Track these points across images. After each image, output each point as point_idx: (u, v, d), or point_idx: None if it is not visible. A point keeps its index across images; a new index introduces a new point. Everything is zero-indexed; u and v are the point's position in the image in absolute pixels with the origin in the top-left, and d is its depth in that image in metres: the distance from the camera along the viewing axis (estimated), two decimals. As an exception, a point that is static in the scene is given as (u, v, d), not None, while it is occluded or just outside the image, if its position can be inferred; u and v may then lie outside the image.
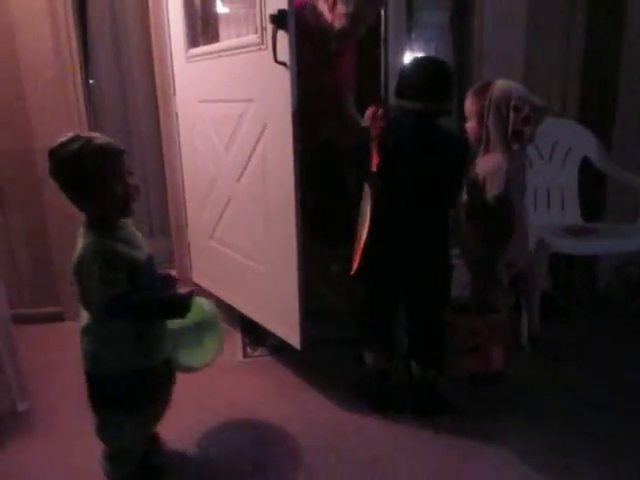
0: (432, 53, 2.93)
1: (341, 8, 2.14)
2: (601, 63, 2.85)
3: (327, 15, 2.19)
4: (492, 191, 1.89)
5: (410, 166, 1.83)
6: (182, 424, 2.00)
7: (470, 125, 2.00)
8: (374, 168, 1.81)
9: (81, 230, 1.51)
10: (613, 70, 2.80)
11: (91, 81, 2.91)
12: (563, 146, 2.81)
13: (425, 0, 2.86)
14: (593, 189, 2.86)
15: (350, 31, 2.21)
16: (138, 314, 1.52)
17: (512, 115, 1.88)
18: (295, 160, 1.92)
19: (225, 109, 2.29)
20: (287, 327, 2.18)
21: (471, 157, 1.93)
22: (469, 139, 2.01)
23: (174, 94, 2.68)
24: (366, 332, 2.11)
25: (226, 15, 3.07)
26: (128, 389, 1.56)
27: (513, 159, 1.93)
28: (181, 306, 1.52)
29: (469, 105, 1.99)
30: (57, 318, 2.84)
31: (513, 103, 1.88)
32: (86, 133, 1.50)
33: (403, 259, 1.90)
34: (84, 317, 1.55)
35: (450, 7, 2.92)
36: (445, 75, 1.84)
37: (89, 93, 2.81)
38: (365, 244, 1.86)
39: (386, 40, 2.62)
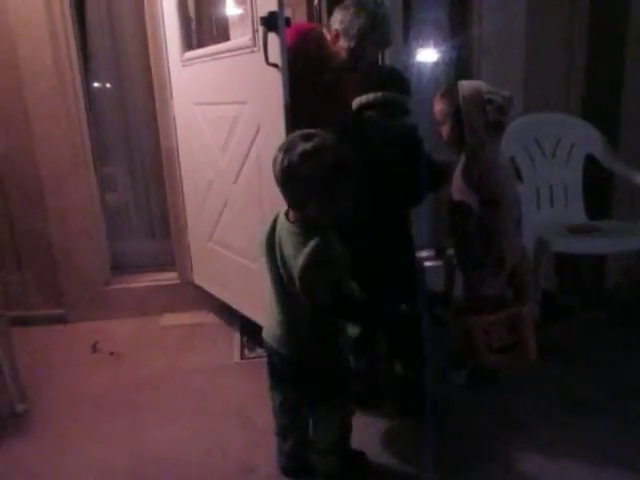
0: (430, 50, 2.92)
1: (343, 42, 2.13)
2: (605, 59, 2.81)
3: (330, 46, 2.19)
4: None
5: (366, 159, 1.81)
6: (175, 426, 2.02)
7: (446, 128, 2.02)
8: None
9: (295, 229, 1.49)
10: (617, 66, 2.76)
11: (96, 84, 2.93)
12: (567, 142, 2.77)
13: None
14: (598, 187, 2.82)
15: (350, 65, 2.18)
16: (357, 315, 1.59)
17: (488, 107, 1.92)
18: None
19: (220, 111, 2.30)
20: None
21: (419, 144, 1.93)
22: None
23: (171, 97, 2.69)
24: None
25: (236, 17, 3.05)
26: (344, 381, 1.64)
27: (497, 150, 1.99)
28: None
29: (442, 108, 2.01)
30: (59, 320, 2.87)
31: (486, 97, 1.93)
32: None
33: (365, 257, 1.87)
34: (300, 314, 1.54)
35: (448, 3, 2.90)
36: (400, 75, 1.94)
37: (89, 98, 2.83)
38: None
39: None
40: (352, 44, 2.10)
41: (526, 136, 2.70)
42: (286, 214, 1.54)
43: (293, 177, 1.43)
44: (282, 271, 1.51)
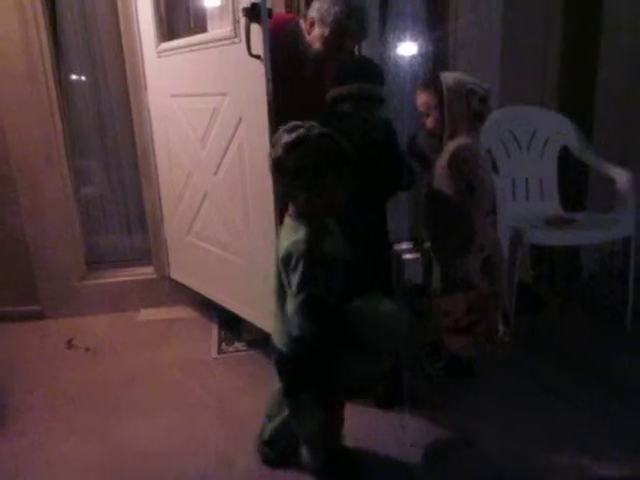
0: (407, 43, 2.92)
1: (318, 30, 2.11)
2: (579, 52, 2.86)
3: (306, 36, 2.17)
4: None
5: None
6: (153, 421, 2.01)
7: (430, 119, 2.04)
8: None
9: (288, 221, 1.53)
10: (591, 59, 2.81)
11: (68, 76, 2.85)
12: (542, 135, 2.81)
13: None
14: (573, 179, 2.87)
15: (327, 55, 2.15)
16: (325, 322, 1.48)
17: (471, 98, 1.96)
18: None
19: (198, 103, 2.27)
20: (268, 318, 2.14)
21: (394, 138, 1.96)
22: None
23: (146, 89, 2.64)
24: None
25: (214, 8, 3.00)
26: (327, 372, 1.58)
27: (477, 139, 2.03)
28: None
29: (426, 100, 2.03)
30: (35, 317, 2.82)
31: (468, 87, 1.96)
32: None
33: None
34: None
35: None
36: (374, 65, 1.95)
37: (61, 90, 2.76)
38: None
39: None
40: (327, 32, 2.08)
41: (502, 129, 2.73)
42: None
43: (280, 169, 1.46)
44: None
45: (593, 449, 1.78)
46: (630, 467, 1.71)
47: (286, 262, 1.46)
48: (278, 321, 1.61)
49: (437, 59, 2.95)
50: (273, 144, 1.47)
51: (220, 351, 2.49)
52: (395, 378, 2.05)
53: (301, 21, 2.20)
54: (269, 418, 1.80)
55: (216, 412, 2.05)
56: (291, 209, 1.54)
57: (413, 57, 2.98)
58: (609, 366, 2.26)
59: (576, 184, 2.87)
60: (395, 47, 2.94)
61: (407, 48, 2.97)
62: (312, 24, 2.12)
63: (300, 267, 1.43)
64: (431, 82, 2.03)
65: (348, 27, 2.08)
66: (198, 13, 2.83)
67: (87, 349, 2.53)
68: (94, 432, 1.95)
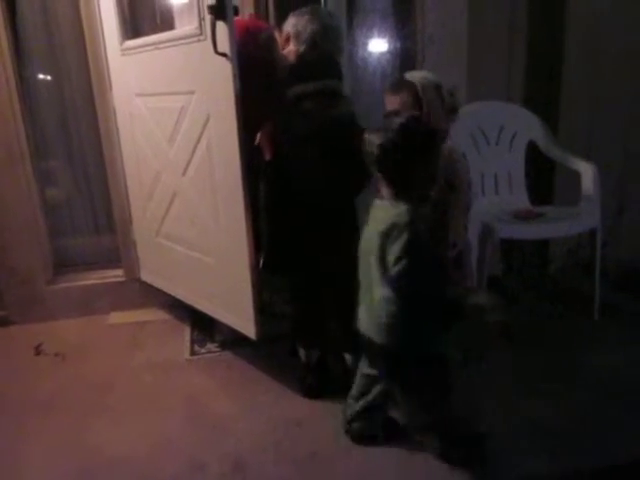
0: (375, 40, 2.93)
1: (294, 46, 2.07)
2: (545, 48, 2.90)
3: (279, 49, 2.13)
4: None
5: (307, 151, 1.86)
6: (125, 425, 1.98)
7: None
8: (268, 158, 1.91)
9: (381, 203, 1.66)
10: (556, 55, 2.85)
11: (29, 75, 2.78)
12: (509, 130, 2.84)
13: (366, -14, 2.84)
14: (540, 173, 2.91)
15: None
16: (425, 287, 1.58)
17: (442, 93, 1.96)
18: (241, 150, 1.90)
19: (165, 102, 2.24)
20: (242, 318, 2.15)
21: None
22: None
23: (110, 88, 2.60)
24: (296, 327, 2.13)
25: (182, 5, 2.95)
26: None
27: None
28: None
29: (400, 104, 1.97)
30: (2, 323, 2.76)
31: (437, 84, 1.96)
32: None
33: (314, 249, 1.93)
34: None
35: (391, -7, 2.91)
36: (332, 60, 1.95)
37: (23, 89, 2.68)
38: (268, 236, 1.96)
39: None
40: (302, 48, 2.06)
41: (471, 124, 2.75)
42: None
43: (396, 152, 1.57)
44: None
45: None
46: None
47: (388, 234, 1.56)
48: (371, 312, 1.67)
49: (405, 55, 2.96)
50: (383, 131, 1.58)
51: (192, 353, 2.47)
52: (323, 370, 2.11)
53: (276, 33, 2.17)
54: (355, 398, 1.85)
55: (189, 415, 2.03)
56: (385, 191, 1.64)
57: (381, 54, 2.99)
58: (577, 356, 2.29)
59: (543, 178, 2.91)
60: (362, 44, 2.94)
61: (374, 45, 2.97)
62: (287, 39, 2.09)
63: (405, 235, 1.53)
64: (400, 84, 1.99)
65: (324, 46, 2.04)
66: (165, 10, 2.79)
67: (56, 354, 2.48)
68: (65, 438, 1.92)
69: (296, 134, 1.87)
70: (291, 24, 2.07)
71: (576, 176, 2.61)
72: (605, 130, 2.91)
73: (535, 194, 2.83)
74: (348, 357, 2.03)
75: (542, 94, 2.91)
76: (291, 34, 2.07)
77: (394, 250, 1.54)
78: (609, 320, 2.57)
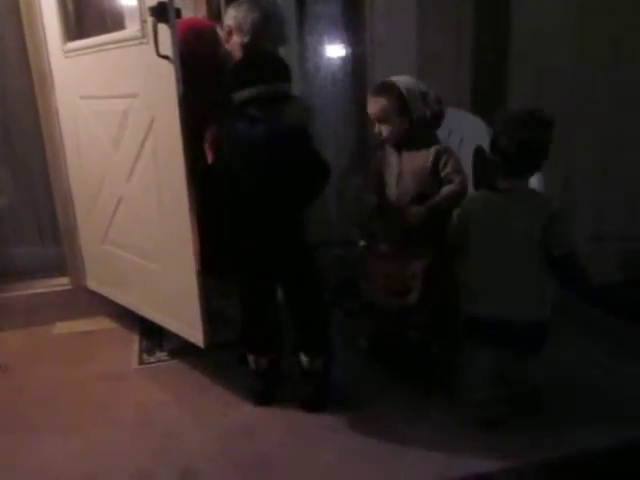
0: (325, 46, 2.94)
1: (237, 38, 2.07)
2: (490, 55, 2.95)
3: (225, 44, 2.11)
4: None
5: (252, 158, 1.81)
6: (72, 440, 1.91)
7: (387, 126, 2.00)
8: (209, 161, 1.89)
9: (519, 197, 1.83)
10: (501, 61, 2.91)
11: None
12: (457, 136, 2.87)
13: (315, -8, 2.85)
14: (487, 178, 2.95)
15: None
16: None
17: (427, 100, 1.98)
18: (186, 154, 1.87)
19: (109, 105, 2.19)
20: (189, 326, 2.12)
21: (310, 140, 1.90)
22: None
23: (53, 91, 2.52)
24: (244, 333, 2.09)
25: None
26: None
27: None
28: None
29: (384, 105, 1.98)
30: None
31: (422, 90, 1.98)
32: None
33: (262, 252, 1.91)
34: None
35: (341, -2, 2.92)
36: (280, 60, 1.87)
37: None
38: (204, 239, 1.95)
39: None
40: (246, 39, 2.04)
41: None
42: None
43: (533, 143, 1.73)
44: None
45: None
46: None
47: (556, 218, 1.73)
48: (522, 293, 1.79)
49: (355, 61, 2.98)
50: (521, 125, 1.72)
51: (141, 362, 2.41)
52: (274, 376, 2.09)
53: (219, 29, 2.14)
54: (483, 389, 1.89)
55: (137, 426, 1.98)
56: (506, 183, 1.82)
57: (331, 59, 3.00)
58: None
59: (491, 182, 2.96)
60: (313, 49, 2.94)
61: (325, 50, 2.98)
62: (230, 32, 2.07)
63: (566, 221, 1.75)
64: (386, 87, 1.98)
65: (267, 34, 2.05)
66: (115, 10, 2.74)
67: (-1, 367, 2.39)
68: (7, 454, 1.85)
69: (239, 143, 1.81)
70: (231, 16, 2.05)
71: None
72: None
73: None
74: (304, 359, 2.00)
75: (488, 100, 2.96)
76: (232, 26, 2.06)
77: (563, 233, 1.73)
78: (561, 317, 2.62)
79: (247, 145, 1.80)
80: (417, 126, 1.99)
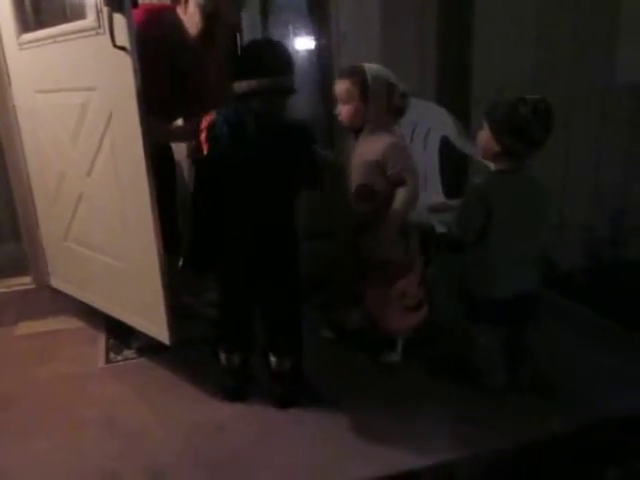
0: (290, 36, 2.91)
1: (194, 6, 2.00)
2: (456, 46, 2.96)
3: (184, 19, 2.05)
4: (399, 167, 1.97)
5: (250, 154, 1.76)
6: (36, 442, 1.87)
7: (347, 108, 2.01)
8: (203, 154, 1.78)
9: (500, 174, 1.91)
10: (466, 52, 2.92)
11: None
12: (423, 127, 2.88)
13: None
14: (454, 168, 2.97)
15: (208, 32, 2.04)
16: None
17: (392, 92, 1.97)
18: (145, 147, 1.83)
19: (66, 98, 2.13)
20: (154, 323, 2.09)
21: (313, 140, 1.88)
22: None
23: (9, 84, 2.45)
24: (218, 330, 2.06)
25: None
26: None
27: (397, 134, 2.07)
28: None
29: (348, 87, 1.99)
30: None
31: (389, 81, 1.97)
32: None
33: (249, 250, 1.86)
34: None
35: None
36: (285, 51, 1.79)
37: None
38: (192, 232, 1.88)
39: (239, 25, 2.51)
40: (203, 2, 1.98)
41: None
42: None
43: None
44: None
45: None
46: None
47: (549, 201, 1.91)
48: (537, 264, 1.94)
49: (320, 51, 2.96)
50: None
51: (108, 361, 2.36)
52: (244, 373, 2.05)
53: (178, 9, 2.09)
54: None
55: (103, 427, 1.94)
56: (508, 163, 1.87)
57: (297, 51, 2.97)
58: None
59: (457, 173, 2.98)
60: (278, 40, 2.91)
61: (290, 42, 2.95)
62: (187, 1, 2.03)
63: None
64: (354, 71, 1.99)
65: None
66: (76, 1, 2.66)
67: (-43, 370, 2.31)
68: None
69: (237, 136, 1.74)
70: None
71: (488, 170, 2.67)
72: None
73: (450, 188, 2.88)
74: (273, 359, 1.98)
75: (454, 91, 2.98)
76: None
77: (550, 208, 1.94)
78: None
79: (245, 139, 1.74)
80: (376, 115, 1.98)
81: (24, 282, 2.76)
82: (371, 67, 1.99)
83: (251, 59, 1.77)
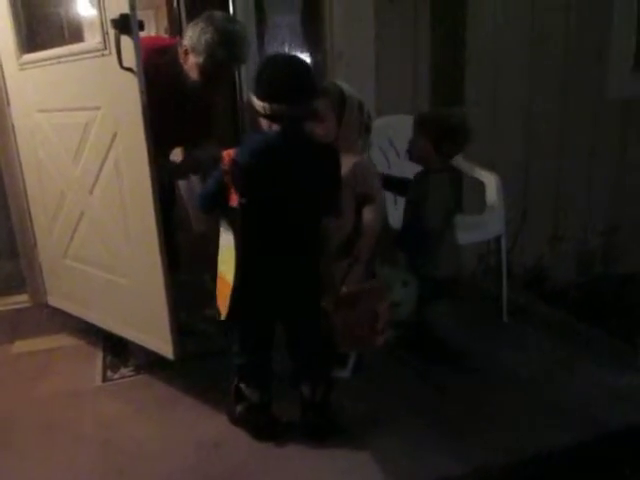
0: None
1: (192, 58, 2.05)
2: (448, 62, 3.01)
3: (184, 65, 2.10)
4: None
5: (287, 178, 1.68)
6: (31, 463, 1.86)
7: (325, 125, 1.97)
8: (234, 204, 1.63)
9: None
10: (459, 72, 2.98)
11: None
12: (401, 141, 2.88)
13: (274, 2, 2.85)
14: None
15: (207, 84, 2.09)
16: None
17: (362, 111, 2.00)
18: (151, 167, 1.85)
19: (69, 118, 2.15)
20: (159, 339, 2.10)
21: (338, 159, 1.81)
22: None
23: (8, 104, 2.46)
24: (242, 367, 1.93)
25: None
26: None
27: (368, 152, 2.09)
28: None
29: (325, 104, 1.96)
30: None
31: (359, 101, 1.99)
32: None
33: (278, 289, 1.77)
34: None
35: (300, 9, 2.94)
36: (312, 72, 1.72)
37: None
38: (234, 286, 1.70)
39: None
40: (200, 60, 2.03)
41: (381, 137, 2.81)
42: None
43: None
44: None
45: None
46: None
47: None
48: None
49: (316, 70, 3.00)
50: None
51: (105, 379, 2.35)
52: (267, 409, 1.96)
53: (179, 49, 2.13)
54: None
55: (99, 445, 1.93)
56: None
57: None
58: (486, 356, 2.39)
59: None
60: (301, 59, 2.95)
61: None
62: (186, 52, 2.07)
63: None
64: (329, 88, 1.98)
65: (222, 54, 2.02)
66: (73, 22, 2.69)
67: (-46, 390, 2.29)
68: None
69: (272, 164, 1.65)
70: (188, 36, 2.05)
71: (482, 185, 2.73)
72: (507, 144, 3.10)
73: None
74: (306, 390, 1.91)
75: (447, 106, 3.03)
76: (188, 47, 2.05)
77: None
78: (516, 320, 2.73)
79: (280, 163, 1.67)
80: (350, 133, 1.99)
81: (21, 300, 2.75)
82: (345, 86, 1.99)
83: (275, 83, 1.62)
